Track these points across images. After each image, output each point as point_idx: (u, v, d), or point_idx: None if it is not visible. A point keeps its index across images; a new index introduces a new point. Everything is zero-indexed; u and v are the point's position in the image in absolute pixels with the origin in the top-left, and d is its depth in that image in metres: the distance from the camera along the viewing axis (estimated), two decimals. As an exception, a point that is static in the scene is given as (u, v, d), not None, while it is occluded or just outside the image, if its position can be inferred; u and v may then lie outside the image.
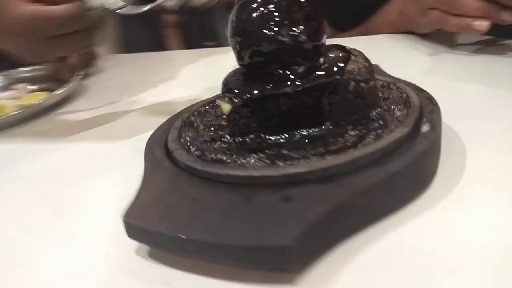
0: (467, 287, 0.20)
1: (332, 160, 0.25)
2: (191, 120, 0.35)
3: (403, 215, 0.25)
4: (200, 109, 0.37)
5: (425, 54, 0.55)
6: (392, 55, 0.58)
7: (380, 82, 0.33)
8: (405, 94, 0.31)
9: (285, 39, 0.28)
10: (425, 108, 0.30)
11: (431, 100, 0.31)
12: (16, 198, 0.35)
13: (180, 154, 0.29)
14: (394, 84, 0.33)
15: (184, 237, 0.22)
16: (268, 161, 0.26)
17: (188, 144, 0.31)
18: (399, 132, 0.26)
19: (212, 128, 0.32)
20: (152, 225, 0.23)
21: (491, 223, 0.24)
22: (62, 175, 0.37)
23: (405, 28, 0.64)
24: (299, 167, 0.24)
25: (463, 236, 0.23)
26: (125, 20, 0.84)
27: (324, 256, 0.23)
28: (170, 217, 0.23)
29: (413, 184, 0.26)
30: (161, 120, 0.37)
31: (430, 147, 0.26)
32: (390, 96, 0.32)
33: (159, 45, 0.85)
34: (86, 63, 0.66)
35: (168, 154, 0.30)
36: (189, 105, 0.39)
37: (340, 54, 0.31)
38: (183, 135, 0.32)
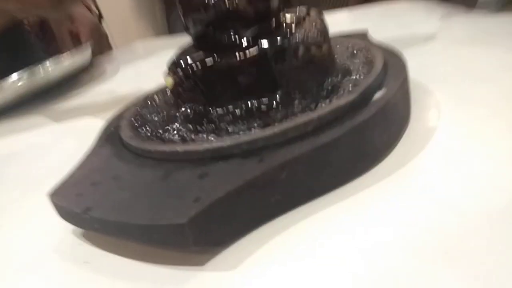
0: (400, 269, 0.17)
1: (258, 133, 0.22)
2: (156, 95, 0.34)
3: (340, 193, 0.22)
4: (157, 94, 0.35)
5: (437, 16, 0.49)
6: (400, 18, 0.53)
7: (342, 47, 0.30)
8: (370, 59, 0.28)
9: (226, 5, 0.26)
10: (390, 72, 0.26)
11: (399, 63, 0.27)
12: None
13: (124, 130, 0.28)
14: (366, 49, 0.30)
15: (89, 215, 0.21)
16: (201, 135, 0.25)
17: (139, 121, 0.30)
18: (342, 100, 0.23)
19: (164, 108, 0.31)
20: (68, 202, 0.22)
21: (439, 206, 0.20)
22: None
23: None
24: (223, 141, 0.22)
25: (400, 217, 0.20)
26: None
27: (240, 236, 0.21)
28: (86, 196, 0.22)
29: (354, 158, 0.22)
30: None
31: (378, 115, 0.23)
32: (354, 61, 0.28)
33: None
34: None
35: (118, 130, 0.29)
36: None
37: (297, 13, 0.28)
38: (141, 111, 0.31)
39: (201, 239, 0.19)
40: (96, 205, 0.21)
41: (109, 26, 0.82)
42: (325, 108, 0.23)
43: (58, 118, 0.48)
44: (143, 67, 0.65)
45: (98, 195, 0.22)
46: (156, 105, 0.32)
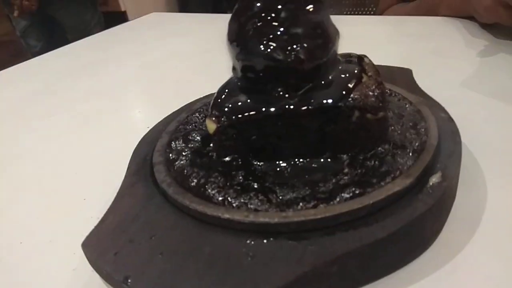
0: None
1: (309, 213, 0.21)
2: (185, 124, 0.32)
3: (387, 284, 0.21)
4: (200, 109, 0.34)
5: (479, 49, 0.48)
6: (440, 46, 0.51)
7: (394, 110, 0.28)
8: (423, 128, 0.26)
9: (280, 58, 0.24)
10: (443, 148, 0.25)
11: (454, 137, 0.26)
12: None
13: (159, 172, 0.27)
14: (415, 109, 0.28)
15: (128, 286, 0.20)
16: (244, 198, 0.23)
17: (173, 157, 0.28)
18: (398, 185, 0.22)
19: (202, 139, 0.30)
20: (105, 262, 0.22)
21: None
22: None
23: (466, 12, 0.56)
24: (271, 216, 0.21)
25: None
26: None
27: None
28: (124, 257, 0.22)
29: (404, 250, 0.22)
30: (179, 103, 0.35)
31: (434, 206, 0.22)
32: (404, 127, 0.27)
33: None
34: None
35: (152, 166, 0.28)
36: (195, 100, 0.37)
37: (354, 71, 0.26)
38: (173, 143, 0.30)
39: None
40: (136, 275, 0.20)
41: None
42: (379, 193, 0.22)
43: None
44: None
45: (137, 260, 0.21)
46: (192, 137, 0.30)
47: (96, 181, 0.34)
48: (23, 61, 0.64)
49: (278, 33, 0.24)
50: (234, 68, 0.27)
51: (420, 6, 0.66)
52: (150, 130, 0.33)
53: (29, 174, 0.36)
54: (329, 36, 0.25)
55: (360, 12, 1.15)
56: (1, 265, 0.27)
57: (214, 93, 0.36)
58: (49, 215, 0.31)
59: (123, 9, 2.40)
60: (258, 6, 0.25)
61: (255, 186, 0.24)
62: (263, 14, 0.24)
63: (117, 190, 0.27)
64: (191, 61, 0.59)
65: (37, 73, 0.62)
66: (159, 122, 0.34)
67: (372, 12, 1.13)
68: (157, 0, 2.53)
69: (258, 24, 0.24)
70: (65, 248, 0.27)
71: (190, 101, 0.37)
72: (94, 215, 0.29)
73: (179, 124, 0.32)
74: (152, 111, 0.42)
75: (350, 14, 1.15)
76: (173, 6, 2.64)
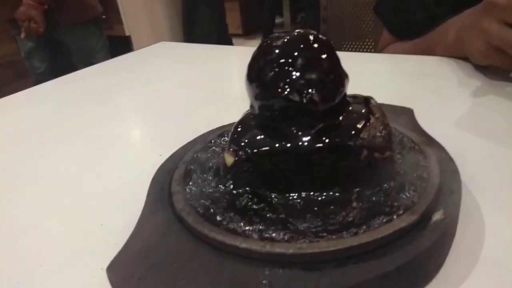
0: None
1: (322, 245, 0.23)
2: (201, 153, 0.34)
3: (392, 314, 0.23)
4: (214, 140, 0.36)
5: (473, 89, 0.50)
6: (438, 86, 0.53)
7: (398, 149, 0.31)
8: (426, 167, 0.28)
9: (297, 99, 0.26)
10: (444, 186, 0.27)
11: (454, 176, 0.28)
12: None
13: (178, 201, 0.29)
14: (418, 149, 0.31)
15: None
16: (260, 228, 0.25)
17: (191, 187, 0.30)
18: (404, 221, 0.24)
19: (217, 170, 0.32)
20: (130, 286, 0.23)
21: None
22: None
23: (461, 53, 0.59)
24: (286, 247, 0.23)
25: None
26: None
27: None
28: (147, 282, 0.23)
29: (409, 282, 0.23)
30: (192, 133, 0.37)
31: (437, 242, 0.24)
32: (408, 166, 0.29)
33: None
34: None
35: (171, 195, 0.30)
36: (208, 131, 0.39)
37: (362, 111, 0.29)
38: (190, 174, 0.32)
39: None
40: (159, 300, 0.22)
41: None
42: (387, 228, 0.24)
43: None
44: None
45: (160, 285, 0.23)
46: (208, 168, 0.32)
47: (112, 207, 0.35)
48: (27, 81, 0.66)
49: (294, 77, 0.26)
50: (252, 106, 0.29)
51: (418, 45, 0.70)
52: (166, 160, 0.35)
53: (46, 198, 0.38)
54: (340, 80, 0.27)
55: (359, 44, 1.19)
56: None
57: (227, 125, 0.38)
58: (67, 239, 0.32)
59: (127, 34, 2.46)
60: (277, 52, 0.27)
61: (271, 217, 0.26)
62: (281, 60, 0.27)
63: (133, 216, 0.29)
64: (200, 90, 0.61)
65: (46, 99, 0.64)
66: (175, 152, 0.36)
67: (371, 46, 1.17)
68: (162, 27, 2.59)
69: (276, 69, 0.27)
70: (84, 272, 0.28)
71: (200, 130, 0.39)
72: (111, 240, 0.30)
73: (194, 154, 0.34)
74: (165, 140, 0.44)
75: (350, 45, 1.19)
76: (177, 35, 2.70)
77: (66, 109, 0.59)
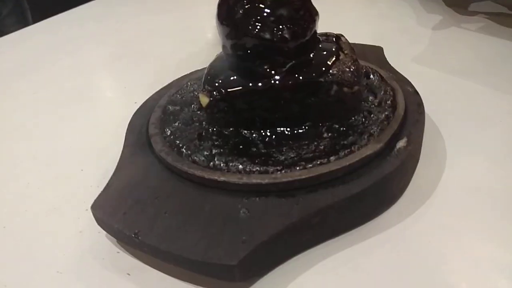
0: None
1: (294, 174, 0.25)
2: (176, 96, 0.35)
3: (361, 232, 0.25)
4: (188, 84, 0.36)
5: (442, 29, 0.51)
6: (407, 25, 0.54)
7: (368, 81, 0.32)
8: (391, 100, 0.30)
9: (268, 37, 0.27)
10: (409, 117, 0.29)
11: (419, 108, 0.30)
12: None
13: (156, 142, 0.29)
14: (385, 83, 0.32)
15: (139, 240, 0.23)
16: (238, 162, 0.26)
17: (168, 128, 0.31)
18: (370, 149, 0.26)
19: (194, 112, 0.32)
20: (115, 220, 0.24)
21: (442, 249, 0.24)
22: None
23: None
24: (262, 178, 0.25)
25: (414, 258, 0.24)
26: None
27: (274, 267, 0.24)
28: (132, 215, 0.24)
29: (375, 204, 0.26)
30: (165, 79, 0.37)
31: (400, 166, 0.26)
32: (376, 99, 0.30)
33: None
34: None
35: (149, 137, 0.30)
36: (182, 76, 0.39)
37: (332, 49, 0.30)
38: (166, 116, 0.32)
39: (246, 275, 0.22)
40: (145, 230, 0.23)
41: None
42: (354, 156, 0.25)
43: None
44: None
45: (144, 218, 0.24)
46: (185, 110, 0.33)
47: (91, 153, 0.36)
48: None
49: (265, 14, 0.27)
50: (224, 46, 0.30)
51: None
52: (142, 105, 0.35)
53: (24, 149, 0.38)
54: (310, 17, 0.28)
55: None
56: (7, 232, 0.29)
57: (200, 69, 0.38)
58: (49, 186, 0.33)
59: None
60: (246, -11, 0.27)
61: (247, 152, 0.27)
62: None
63: (112, 161, 0.30)
64: (170, 37, 0.60)
65: (14, 49, 0.62)
66: (149, 97, 0.36)
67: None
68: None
69: (246, 6, 0.27)
70: (69, 214, 0.30)
71: (173, 76, 0.39)
72: (93, 184, 0.31)
73: (169, 98, 0.35)
74: (139, 87, 0.44)
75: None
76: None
77: (34, 61, 0.57)
